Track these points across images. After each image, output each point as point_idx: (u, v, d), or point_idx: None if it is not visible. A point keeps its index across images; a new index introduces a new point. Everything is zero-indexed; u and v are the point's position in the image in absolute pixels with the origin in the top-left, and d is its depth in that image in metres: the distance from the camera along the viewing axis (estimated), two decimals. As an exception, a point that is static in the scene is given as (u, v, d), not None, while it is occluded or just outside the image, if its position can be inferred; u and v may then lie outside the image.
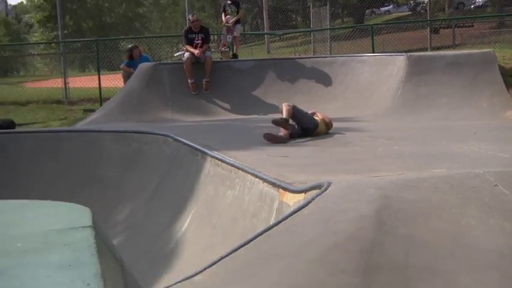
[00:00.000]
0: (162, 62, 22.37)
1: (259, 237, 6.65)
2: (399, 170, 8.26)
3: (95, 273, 2.59)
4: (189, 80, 19.32)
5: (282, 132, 12.65)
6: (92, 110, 21.16)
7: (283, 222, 6.84)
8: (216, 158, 10.86)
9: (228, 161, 10.37)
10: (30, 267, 2.72)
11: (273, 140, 12.37)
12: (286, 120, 12.65)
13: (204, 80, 19.47)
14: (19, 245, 3.02)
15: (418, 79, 17.41)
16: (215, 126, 15.85)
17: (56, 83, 28.00)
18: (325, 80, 19.29)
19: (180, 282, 6.14)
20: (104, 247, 2.89)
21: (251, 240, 6.64)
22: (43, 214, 3.75)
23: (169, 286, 6.35)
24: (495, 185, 7.24)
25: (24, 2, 70.71)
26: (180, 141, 12.95)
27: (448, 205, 6.89)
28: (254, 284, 5.77)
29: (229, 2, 21.91)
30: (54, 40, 44.20)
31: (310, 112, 13.36)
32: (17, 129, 18.11)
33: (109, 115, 18.24)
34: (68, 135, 15.53)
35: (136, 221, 11.82)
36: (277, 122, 12.61)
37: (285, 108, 12.89)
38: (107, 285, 2.48)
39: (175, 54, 24.31)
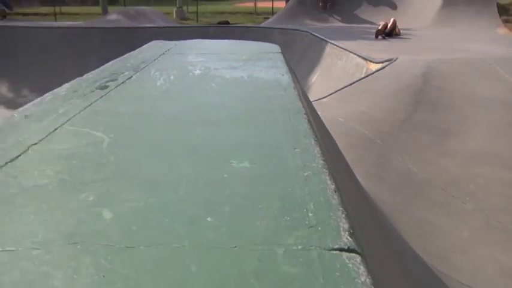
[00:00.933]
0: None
1: (357, 82, 6.63)
2: (437, 55, 7.90)
3: (286, 70, 2.67)
4: (320, 3, 18.54)
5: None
6: (268, 18, 20.75)
7: (371, 75, 6.75)
8: (333, 44, 10.66)
9: (339, 45, 10.15)
10: (253, 66, 2.84)
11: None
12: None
13: (328, 3, 18.58)
14: (244, 57, 3.16)
15: (450, 16, 16.23)
16: (334, 29, 15.38)
17: (249, 4, 27.78)
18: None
19: (314, 101, 6.26)
20: (287, 63, 2.95)
21: (352, 83, 6.66)
22: (255, 46, 3.95)
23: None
24: (490, 64, 6.86)
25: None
26: (314, 35, 12.75)
27: (465, 73, 6.62)
28: (356, 103, 5.85)
29: None
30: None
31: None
32: (230, 25, 18.30)
33: (277, 21, 18.08)
34: (255, 29, 15.65)
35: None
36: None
37: (392, 21, 12.66)
38: (292, 77, 2.54)
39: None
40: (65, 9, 26.59)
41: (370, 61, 8.09)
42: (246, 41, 4.56)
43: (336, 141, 3.56)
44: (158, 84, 2.43)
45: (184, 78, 2.55)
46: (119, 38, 15.01)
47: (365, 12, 18.22)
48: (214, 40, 4.70)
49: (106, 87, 2.34)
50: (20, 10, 24.65)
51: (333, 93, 6.27)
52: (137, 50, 3.59)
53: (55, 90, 2.24)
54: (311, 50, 12.47)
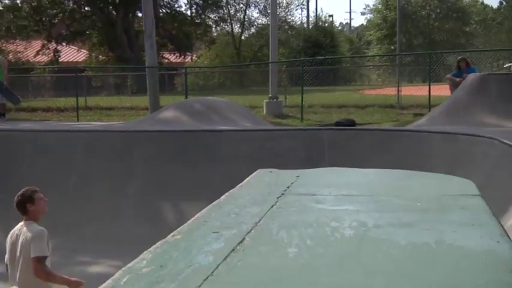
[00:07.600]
0: (491, 73, 18.04)
1: None
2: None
3: (501, 233, 2.33)
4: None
5: None
6: (421, 115, 17.25)
7: None
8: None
9: None
10: (434, 223, 2.55)
11: None
12: None
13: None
14: (418, 204, 2.89)
15: None
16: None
17: (388, 91, 24.40)
18: None
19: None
20: (492, 214, 2.59)
21: None
22: (429, 180, 3.66)
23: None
24: None
25: (365, 24, 68.76)
26: (507, 144, 10.15)
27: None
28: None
29: None
30: (389, 53, 40.81)
31: None
32: (357, 127, 16.57)
33: (434, 120, 14.72)
34: (399, 135, 12.86)
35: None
36: None
37: None
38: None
39: (504, 66, 20.66)
40: (91, 100, 23.04)
41: None
42: (410, 172, 3.98)
43: None
44: (290, 255, 2.23)
45: (329, 244, 2.33)
46: (178, 148, 12.48)
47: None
48: (355, 169, 4.19)
49: (205, 264, 2.08)
50: (26, 103, 21.70)
51: None
52: (237, 187, 3.42)
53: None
54: (503, 168, 9.99)
